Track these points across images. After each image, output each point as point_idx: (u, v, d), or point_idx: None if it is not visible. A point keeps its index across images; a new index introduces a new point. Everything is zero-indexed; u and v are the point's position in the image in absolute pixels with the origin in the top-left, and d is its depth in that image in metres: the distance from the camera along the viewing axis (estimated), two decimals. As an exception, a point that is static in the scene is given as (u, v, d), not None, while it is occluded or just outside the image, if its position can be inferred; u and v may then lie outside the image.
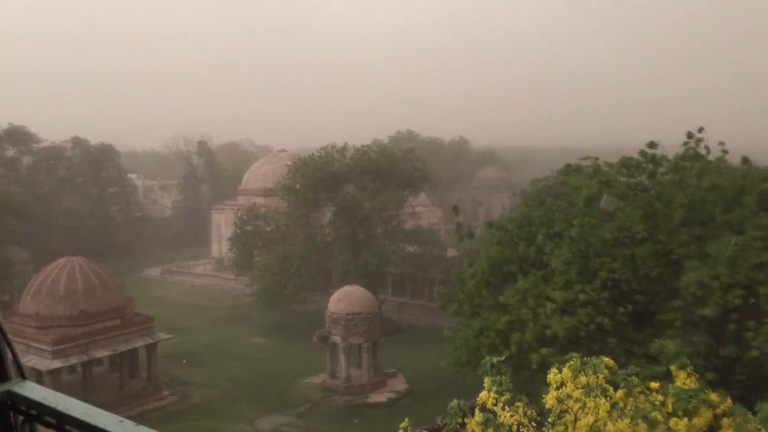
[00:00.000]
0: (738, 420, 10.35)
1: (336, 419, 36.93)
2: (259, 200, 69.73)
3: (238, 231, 62.78)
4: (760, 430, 10.11)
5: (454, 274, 29.22)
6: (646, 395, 11.63)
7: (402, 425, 11.85)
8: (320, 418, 37.01)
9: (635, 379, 11.80)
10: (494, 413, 10.58)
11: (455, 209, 31.24)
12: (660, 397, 11.59)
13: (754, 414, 10.49)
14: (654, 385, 11.82)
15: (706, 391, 11.40)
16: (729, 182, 22.37)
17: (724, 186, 22.25)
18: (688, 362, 12.16)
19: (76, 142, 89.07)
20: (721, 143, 25.17)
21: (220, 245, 75.81)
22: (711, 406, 11.09)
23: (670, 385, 11.64)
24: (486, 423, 10.37)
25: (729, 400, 11.27)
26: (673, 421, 10.81)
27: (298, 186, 56.45)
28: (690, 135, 24.99)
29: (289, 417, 37.00)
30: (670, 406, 11.25)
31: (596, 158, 26.76)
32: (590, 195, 23.65)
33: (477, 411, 10.60)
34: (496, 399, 10.63)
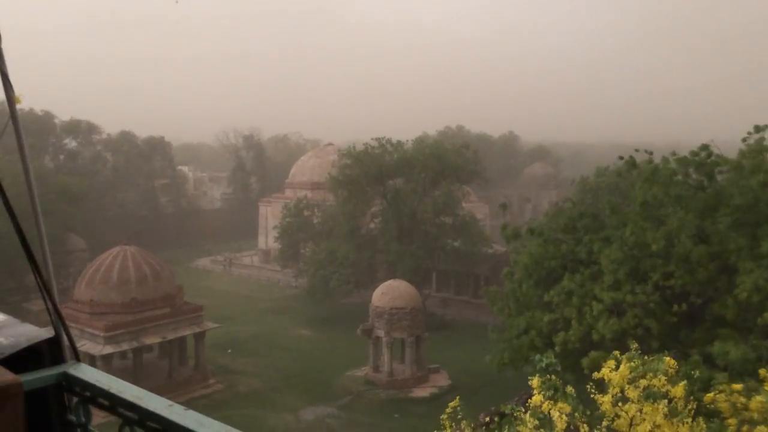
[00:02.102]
0: None
1: (377, 412, 37.07)
2: (307, 193, 70.31)
3: (285, 223, 63.41)
4: None
5: (505, 274, 28.90)
6: (728, 395, 11.02)
7: (452, 404, 11.70)
8: (362, 411, 37.21)
9: (720, 382, 11.22)
10: (547, 416, 10.31)
11: (504, 206, 30.85)
12: (743, 400, 10.97)
13: None
14: (737, 386, 11.21)
15: None
16: None
17: None
18: None
19: (125, 135, 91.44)
20: None
21: (267, 237, 76.74)
22: None
23: (764, 388, 10.79)
24: (539, 427, 10.11)
25: None
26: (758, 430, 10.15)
27: (348, 177, 56.10)
28: (758, 128, 23.91)
29: (331, 408, 37.32)
30: (753, 411, 10.59)
31: (651, 153, 26.07)
32: (645, 199, 23.03)
33: (527, 415, 10.35)
34: (551, 403, 10.28)
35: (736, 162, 23.96)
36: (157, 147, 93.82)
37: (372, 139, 58.20)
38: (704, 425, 10.49)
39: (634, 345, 11.50)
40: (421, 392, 39.48)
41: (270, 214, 77.69)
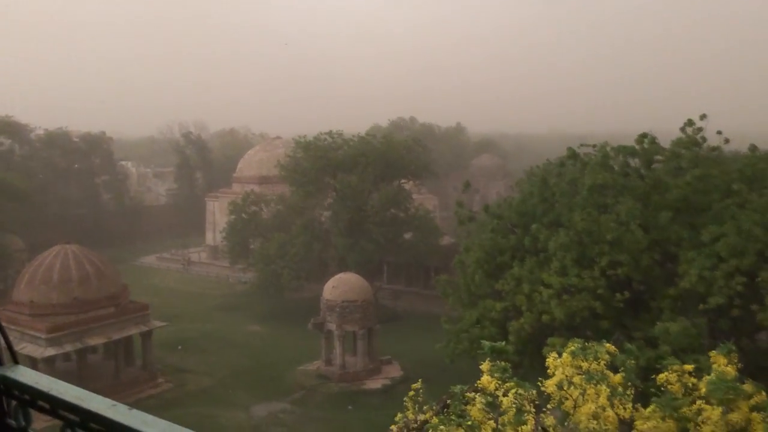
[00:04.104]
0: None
1: (331, 406, 37.04)
2: (255, 188, 69.53)
3: (234, 218, 62.64)
4: None
5: (456, 262, 29.20)
6: (679, 375, 11.34)
7: (415, 386, 11.77)
8: (315, 405, 37.12)
9: (672, 363, 11.56)
10: (495, 396, 10.50)
11: (466, 185, 31.04)
12: (692, 380, 11.30)
13: None
14: (688, 367, 11.55)
15: (746, 381, 10.93)
16: (724, 171, 22.38)
17: (718, 175, 22.26)
18: (733, 348, 11.56)
19: (58, 132, 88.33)
20: (719, 132, 25.08)
21: (215, 233, 75.63)
22: (747, 397, 10.63)
23: (714, 370, 11.15)
24: (488, 407, 10.29)
25: (763, 393, 10.76)
26: (707, 411, 10.42)
27: (299, 169, 55.84)
28: (690, 122, 24.82)
29: (284, 404, 37.11)
30: (701, 391, 10.91)
31: (605, 143, 26.65)
32: (593, 184, 23.60)
33: (478, 396, 10.53)
34: (498, 384, 10.50)
35: (670, 151, 24.79)
36: (96, 143, 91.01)
37: (321, 132, 58.03)
38: (655, 407, 10.84)
39: (576, 341, 11.81)
40: (374, 384, 39.62)
41: (217, 210, 76.58)
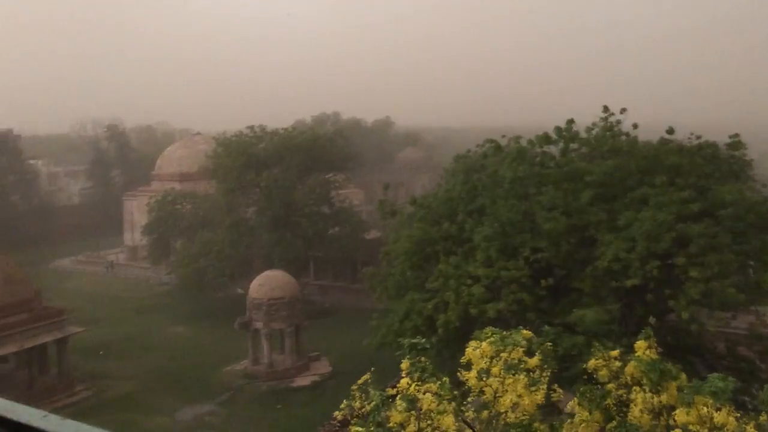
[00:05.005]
0: (687, 393, 10.06)
1: (259, 405, 36.44)
2: (175, 185, 67.47)
3: (154, 217, 60.67)
4: (708, 402, 9.80)
5: (383, 255, 29.15)
6: (606, 361, 11.61)
7: (364, 377, 11.58)
8: (243, 405, 36.43)
9: (598, 349, 11.81)
10: (415, 399, 10.48)
11: (385, 186, 31.13)
12: (618, 364, 11.61)
13: (696, 382, 10.33)
14: (614, 353, 11.85)
15: (672, 366, 11.24)
16: (638, 159, 23.22)
17: (633, 163, 23.08)
18: (651, 333, 11.89)
19: None
20: (635, 125, 26.05)
21: (134, 233, 73.02)
22: (672, 378, 10.92)
23: (635, 355, 11.45)
24: (409, 410, 10.25)
25: (684, 375, 11.08)
26: (640, 397, 10.66)
27: (221, 167, 54.71)
28: (606, 109, 25.57)
29: (211, 406, 36.23)
30: (628, 375, 11.21)
31: (518, 137, 27.22)
32: (514, 176, 24.02)
33: (398, 399, 10.47)
34: (419, 386, 10.48)
35: (586, 140, 25.58)
36: (1, 141, 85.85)
37: (245, 127, 56.90)
38: (579, 401, 11.05)
39: (492, 331, 11.94)
40: (303, 381, 39.31)
41: (136, 209, 73.93)
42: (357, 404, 10.95)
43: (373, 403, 10.29)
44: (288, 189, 54.01)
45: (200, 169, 58.93)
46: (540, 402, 11.03)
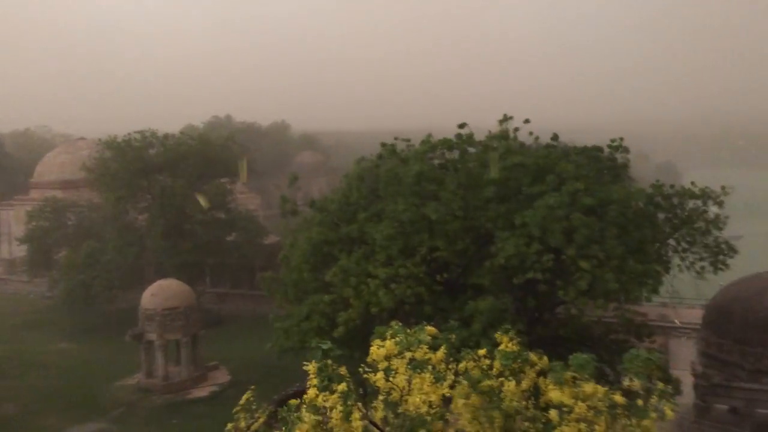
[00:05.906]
0: (556, 374, 11.05)
1: (154, 420, 34.85)
2: (57, 193, 63.50)
3: (33, 227, 56.84)
4: (575, 378, 11.00)
5: (281, 259, 28.74)
6: (476, 361, 12.08)
7: (246, 396, 11.31)
8: (137, 421, 34.71)
9: (468, 352, 12.22)
10: (324, 408, 10.38)
11: (294, 178, 30.63)
12: (487, 362, 12.11)
13: (568, 366, 11.28)
14: (482, 351, 12.35)
15: (531, 353, 12.20)
16: (532, 161, 24.25)
17: (527, 164, 24.07)
18: (510, 328, 12.85)
19: None
20: (531, 133, 27.35)
21: (10, 245, 68.20)
22: (533, 365, 11.83)
23: (497, 349, 12.27)
24: (318, 425, 10.17)
25: (546, 359, 12.10)
26: (506, 386, 11.44)
27: (109, 171, 51.87)
28: (506, 116, 26.61)
29: (101, 424, 34.29)
30: (497, 369, 11.80)
31: (409, 140, 27.68)
32: (420, 170, 24.37)
33: (305, 412, 10.31)
34: (327, 395, 10.39)
35: (483, 145, 26.43)
36: None
37: (134, 132, 54.31)
38: (459, 387, 11.45)
39: (396, 325, 12.12)
40: (200, 392, 38.06)
41: (13, 219, 69.22)
42: (242, 424, 10.77)
43: (261, 420, 10.18)
44: (181, 195, 52.09)
45: (84, 176, 55.66)
46: (446, 394, 11.25)
